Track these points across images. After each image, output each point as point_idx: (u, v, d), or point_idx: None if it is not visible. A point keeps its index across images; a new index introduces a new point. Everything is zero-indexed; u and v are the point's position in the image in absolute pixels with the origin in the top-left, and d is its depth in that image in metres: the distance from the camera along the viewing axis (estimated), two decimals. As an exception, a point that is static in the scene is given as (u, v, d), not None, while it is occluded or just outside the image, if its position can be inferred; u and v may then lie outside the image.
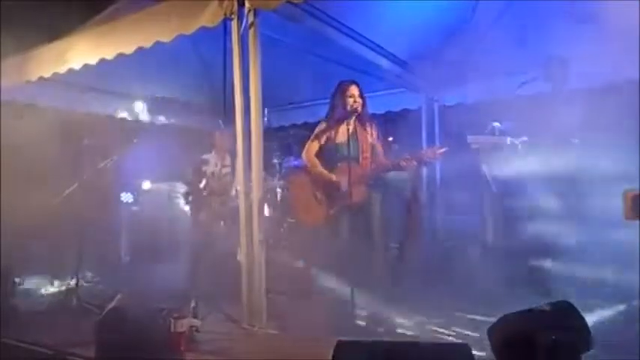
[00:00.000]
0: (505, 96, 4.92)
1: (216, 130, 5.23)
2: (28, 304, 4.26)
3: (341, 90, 3.70)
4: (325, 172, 3.70)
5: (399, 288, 3.75)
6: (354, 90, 3.69)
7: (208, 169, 5.08)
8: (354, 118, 3.69)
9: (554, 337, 2.00)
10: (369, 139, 3.74)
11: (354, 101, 3.67)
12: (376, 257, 3.65)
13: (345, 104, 3.66)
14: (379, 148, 3.78)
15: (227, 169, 5.11)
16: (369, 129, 3.76)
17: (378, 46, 5.02)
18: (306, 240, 4.46)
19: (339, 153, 3.68)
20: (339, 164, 3.66)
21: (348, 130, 3.58)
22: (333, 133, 3.73)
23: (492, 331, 2.20)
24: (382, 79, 5.78)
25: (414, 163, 3.54)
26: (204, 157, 5.17)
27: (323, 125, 3.80)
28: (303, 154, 3.83)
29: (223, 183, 5.04)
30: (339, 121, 3.71)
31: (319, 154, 3.80)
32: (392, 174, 3.80)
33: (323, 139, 3.76)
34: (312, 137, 3.82)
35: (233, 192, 4.94)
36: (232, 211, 4.57)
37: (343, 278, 3.42)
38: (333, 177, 3.65)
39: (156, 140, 5.37)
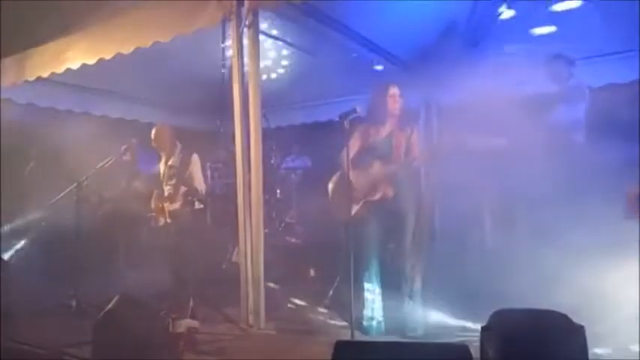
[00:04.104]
0: (503, 96, 4.94)
1: (154, 127, 4.73)
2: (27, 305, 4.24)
3: (381, 90, 3.62)
4: (353, 173, 3.56)
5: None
6: (394, 90, 3.63)
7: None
8: (393, 119, 3.63)
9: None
10: (404, 140, 3.64)
11: (395, 101, 3.61)
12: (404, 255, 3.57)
13: (385, 104, 3.60)
14: (415, 151, 3.67)
15: (172, 171, 4.52)
16: (407, 130, 3.66)
17: (377, 45, 5.02)
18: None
19: (374, 152, 3.62)
20: (373, 163, 3.60)
21: (385, 130, 3.59)
22: (371, 133, 3.66)
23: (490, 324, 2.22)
24: (380, 78, 5.77)
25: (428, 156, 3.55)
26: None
27: (362, 127, 3.71)
28: (343, 155, 3.66)
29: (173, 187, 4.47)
30: (378, 122, 3.65)
31: (357, 154, 3.69)
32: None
33: (362, 140, 3.69)
34: (352, 139, 3.66)
35: (180, 197, 4.44)
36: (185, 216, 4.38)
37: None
38: (359, 176, 3.58)
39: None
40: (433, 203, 4.33)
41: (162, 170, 4.71)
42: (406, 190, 3.57)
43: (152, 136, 4.63)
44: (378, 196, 3.51)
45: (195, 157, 4.56)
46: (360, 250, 3.39)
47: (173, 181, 4.47)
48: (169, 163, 4.57)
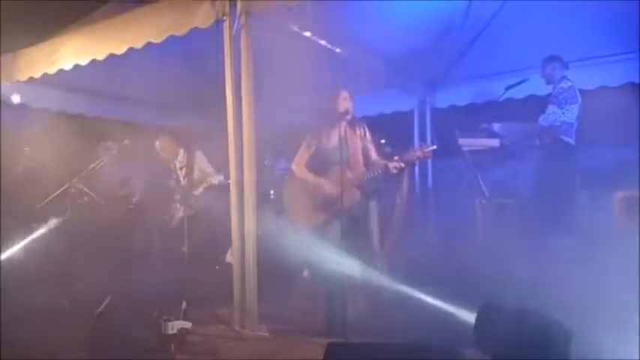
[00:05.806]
0: (496, 98, 4.97)
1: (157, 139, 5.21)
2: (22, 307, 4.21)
3: (329, 95, 3.68)
4: (313, 178, 3.69)
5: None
6: (342, 93, 3.68)
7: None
8: (344, 121, 3.66)
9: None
10: (359, 142, 3.72)
11: (345, 103, 3.65)
12: (370, 258, 3.62)
13: (335, 107, 3.64)
14: (371, 150, 3.76)
15: (184, 171, 5.13)
16: (359, 131, 3.74)
17: (371, 47, 5.02)
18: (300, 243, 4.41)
19: (330, 158, 3.64)
20: (330, 169, 3.63)
21: (338, 134, 3.56)
22: (323, 138, 3.71)
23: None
24: (374, 81, 5.78)
25: (402, 165, 3.55)
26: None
27: (313, 133, 3.78)
28: (293, 164, 3.80)
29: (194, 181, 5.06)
30: (329, 126, 3.69)
31: (311, 160, 3.76)
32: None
33: (313, 147, 3.75)
34: (302, 146, 3.79)
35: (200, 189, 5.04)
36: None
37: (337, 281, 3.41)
38: (323, 183, 3.64)
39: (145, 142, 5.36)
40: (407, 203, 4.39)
41: (176, 174, 5.18)
42: (369, 191, 3.66)
43: (157, 147, 5.14)
44: (346, 202, 3.47)
45: (198, 153, 5.17)
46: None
47: (186, 179, 5.06)
48: (178, 165, 5.14)
